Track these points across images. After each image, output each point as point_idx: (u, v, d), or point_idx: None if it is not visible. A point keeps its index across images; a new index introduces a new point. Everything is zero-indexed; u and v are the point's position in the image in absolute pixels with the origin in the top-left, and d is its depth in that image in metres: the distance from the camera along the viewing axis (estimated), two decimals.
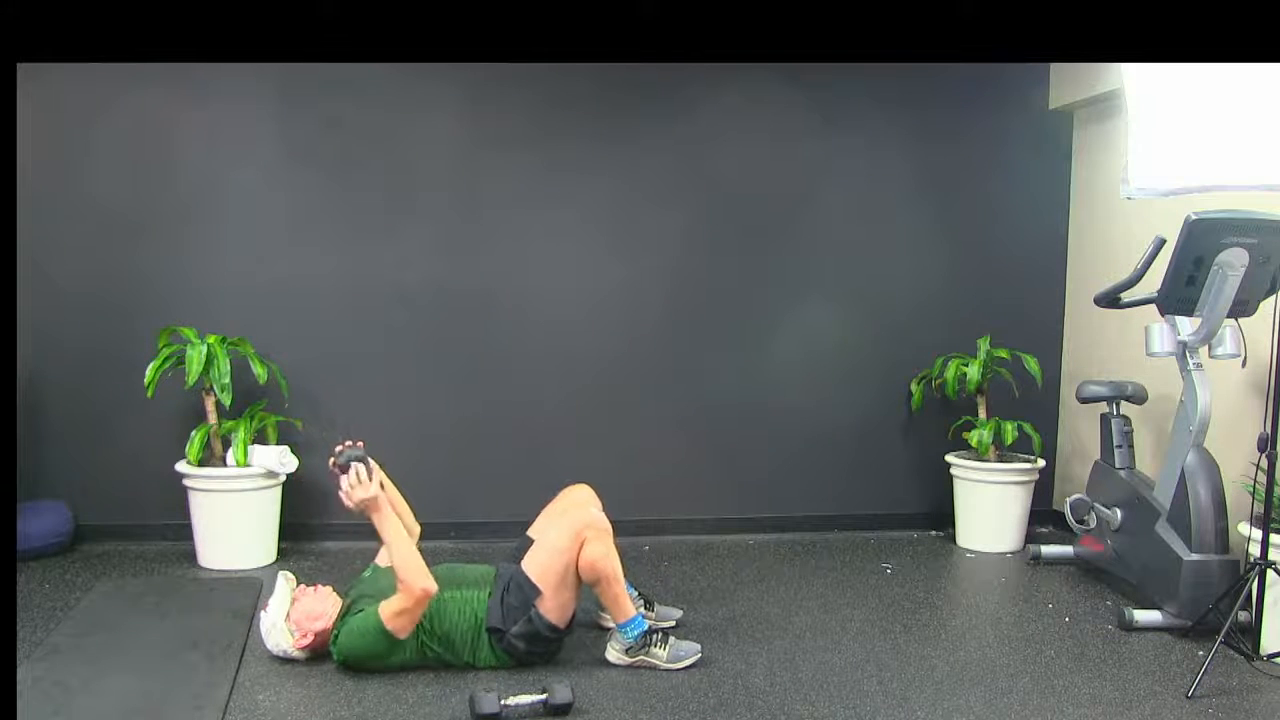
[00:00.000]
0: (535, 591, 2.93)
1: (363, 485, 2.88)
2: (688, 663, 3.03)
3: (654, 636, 3.02)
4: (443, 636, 2.93)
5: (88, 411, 4.27)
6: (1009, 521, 4.50)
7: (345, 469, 2.90)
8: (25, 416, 4.14)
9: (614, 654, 3.04)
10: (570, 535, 2.94)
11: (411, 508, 3.27)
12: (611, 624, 3.06)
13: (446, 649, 2.95)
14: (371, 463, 2.93)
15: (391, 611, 2.84)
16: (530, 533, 3.22)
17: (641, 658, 3.01)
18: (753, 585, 3.93)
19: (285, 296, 4.37)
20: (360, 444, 2.95)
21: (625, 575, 3.03)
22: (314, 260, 4.38)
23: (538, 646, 2.97)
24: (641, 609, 3.18)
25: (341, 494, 2.90)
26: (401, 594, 2.82)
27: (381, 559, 3.16)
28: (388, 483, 3.09)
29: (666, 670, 2.99)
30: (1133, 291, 3.56)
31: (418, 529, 3.23)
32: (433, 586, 2.83)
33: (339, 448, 2.94)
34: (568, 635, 3.05)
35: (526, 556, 3.01)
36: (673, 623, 3.37)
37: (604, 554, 2.93)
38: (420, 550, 2.96)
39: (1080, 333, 4.89)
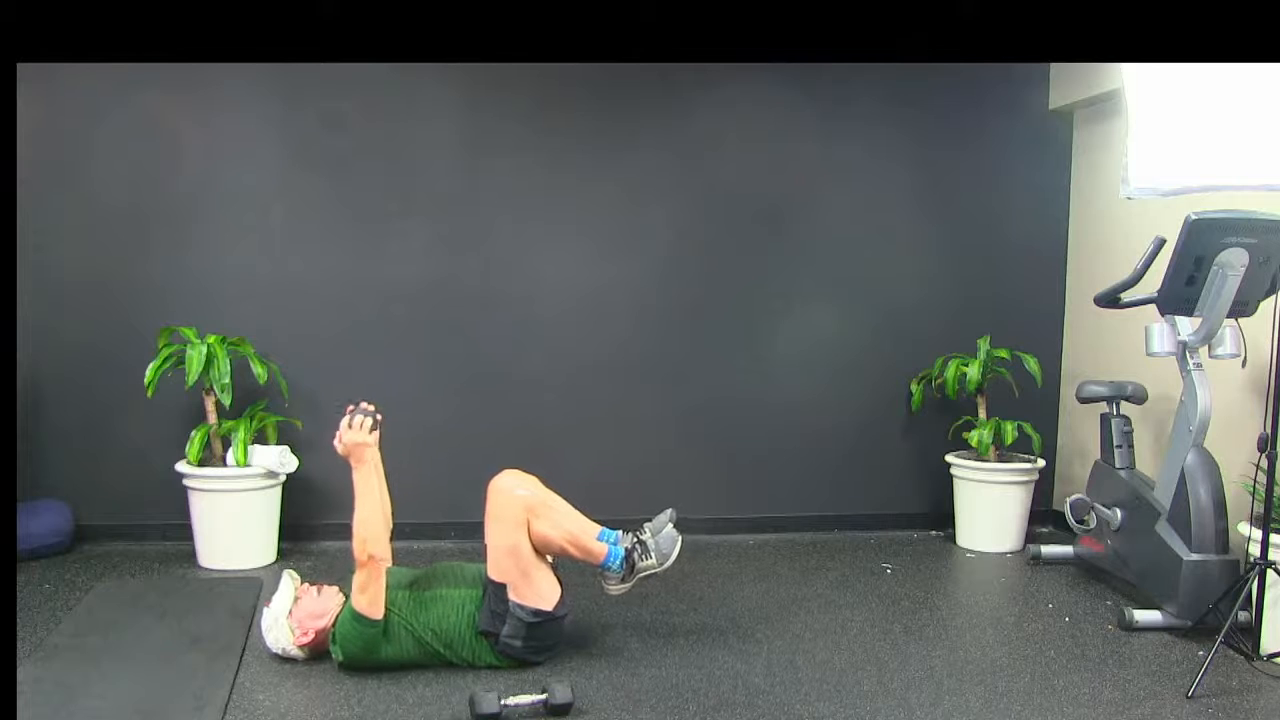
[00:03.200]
0: (505, 589, 2.95)
1: (361, 430, 2.95)
2: (676, 552, 3.14)
3: (635, 553, 3.12)
4: (442, 635, 2.94)
5: (88, 411, 4.27)
6: (1009, 521, 4.50)
7: (352, 414, 2.97)
8: (25, 416, 4.14)
9: (613, 589, 3.16)
10: (507, 527, 2.97)
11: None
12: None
13: (447, 648, 2.95)
14: (377, 425, 2.99)
15: (356, 589, 2.88)
16: (486, 539, 3.20)
17: (638, 578, 3.13)
18: (753, 585, 3.93)
19: (285, 296, 4.38)
20: (375, 410, 3.01)
21: (589, 515, 3.12)
22: (314, 260, 4.39)
23: (534, 639, 2.97)
24: (633, 537, 3.18)
25: (336, 436, 2.96)
26: (357, 567, 2.88)
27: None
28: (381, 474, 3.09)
29: (666, 570, 3.12)
30: (1133, 291, 3.56)
31: (390, 524, 3.21)
32: (381, 554, 2.88)
33: (362, 404, 3.01)
34: (562, 618, 3.04)
35: (487, 563, 3.03)
36: (670, 524, 3.24)
37: (548, 527, 3.00)
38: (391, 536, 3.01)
39: (1080, 333, 4.89)
